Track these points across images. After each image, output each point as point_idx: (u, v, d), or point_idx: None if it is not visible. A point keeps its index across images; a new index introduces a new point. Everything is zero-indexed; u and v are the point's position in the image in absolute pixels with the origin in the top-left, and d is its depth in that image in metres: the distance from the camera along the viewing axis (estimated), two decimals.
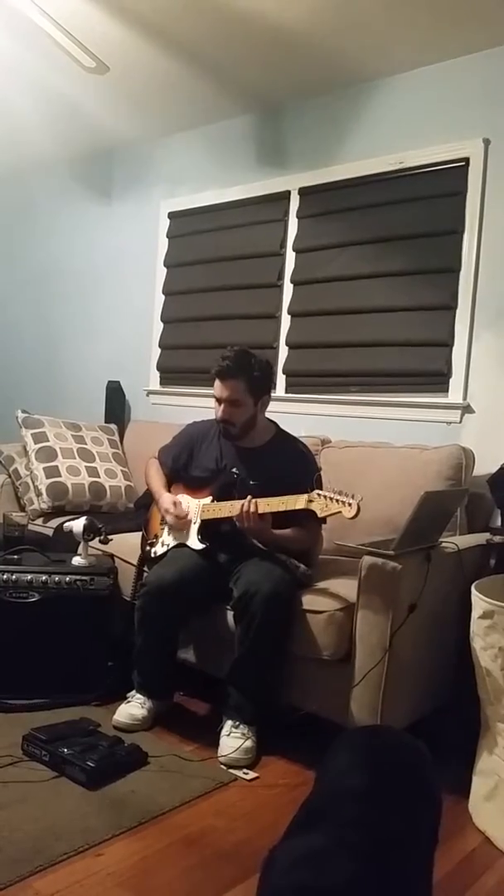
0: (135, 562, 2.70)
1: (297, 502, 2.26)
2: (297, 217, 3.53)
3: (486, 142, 2.91)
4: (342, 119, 3.35)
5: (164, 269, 4.10)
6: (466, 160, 2.96)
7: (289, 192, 3.55)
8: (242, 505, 2.32)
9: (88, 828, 1.82)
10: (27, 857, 1.68)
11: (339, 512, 2.15)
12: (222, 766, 2.19)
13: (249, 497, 2.32)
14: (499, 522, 2.72)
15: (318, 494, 2.23)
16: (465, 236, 2.96)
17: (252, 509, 2.30)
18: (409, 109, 3.14)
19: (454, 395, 3.00)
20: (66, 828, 1.81)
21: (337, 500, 2.17)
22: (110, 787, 2.01)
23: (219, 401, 2.53)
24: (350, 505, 2.13)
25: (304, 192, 3.50)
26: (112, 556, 2.83)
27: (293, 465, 2.55)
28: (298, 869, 0.96)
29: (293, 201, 3.54)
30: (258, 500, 2.32)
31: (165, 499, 2.61)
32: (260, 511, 2.31)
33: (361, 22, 2.78)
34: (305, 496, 2.24)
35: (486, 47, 2.89)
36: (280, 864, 0.99)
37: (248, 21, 2.83)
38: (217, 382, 2.51)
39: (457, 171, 2.99)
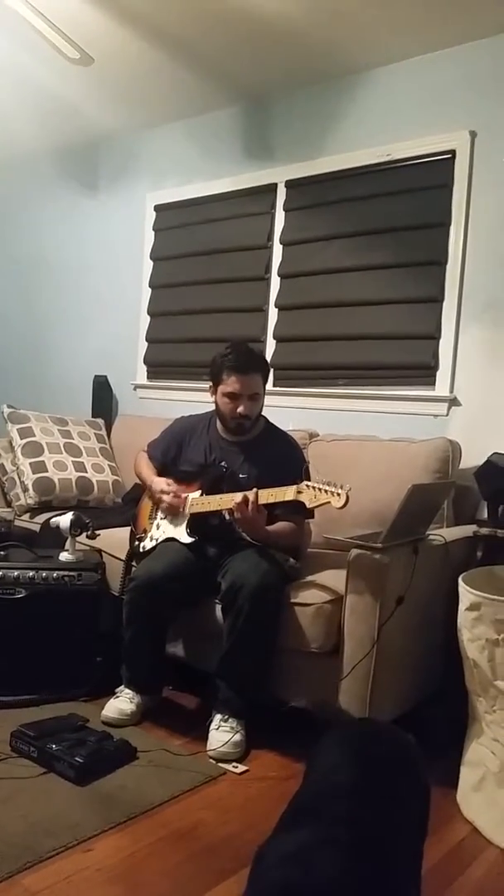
0: (122, 557, 2.69)
1: (287, 493, 2.26)
2: (284, 210, 3.52)
3: (473, 134, 2.91)
4: (329, 111, 3.35)
5: (151, 263, 4.08)
6: (453, 152, 2.96)
7: (276, 185, 3.54)
8: (244, 496, 2.29)
9: (77, 823, 1.81)
10: (16, 853, 1.67)
11: (328, 502, 2.15)
12: (212, 760, 2.19)
13: (255, 490, 2.30)
14: (485, 515, 2.73)
15: (307, 485, 2.23)
16: (452, 229, 2.97)
17: (253, 499, 2.29)
18: (396, 101, 3.13)
19: (441, 387, 3.00)
20: (55, 824, 1.80)
21: (326, 491, 2.17)
22: (99, 783, 2.00)
23: (236, 397, 2.49)
24: (339, 495, 2.13)
25: (290, 184, 3.49)
26: (100, 551, 2.82)
27: (282, 457, 2.55)
28: (286, 865, 0.96)
29: (280, 194, 3.54)
30: (247, 492, 2.31)
31: (158, 482, 2.60)
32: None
33: (347, 13, 2.77)
34: (294, 487, 2.25)
35: (473, 38, 2.88)
36: (268, 860, 0.99)
37: (234, 12, 2.81)
38: (237, 378, 2.47)
39: (443, 164, 2.99)
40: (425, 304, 3.04)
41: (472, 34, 2.86)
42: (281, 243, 3.53)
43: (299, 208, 3.47)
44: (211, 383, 2.57)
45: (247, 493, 2.30)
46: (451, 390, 2.97)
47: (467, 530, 2.54)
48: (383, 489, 2.58)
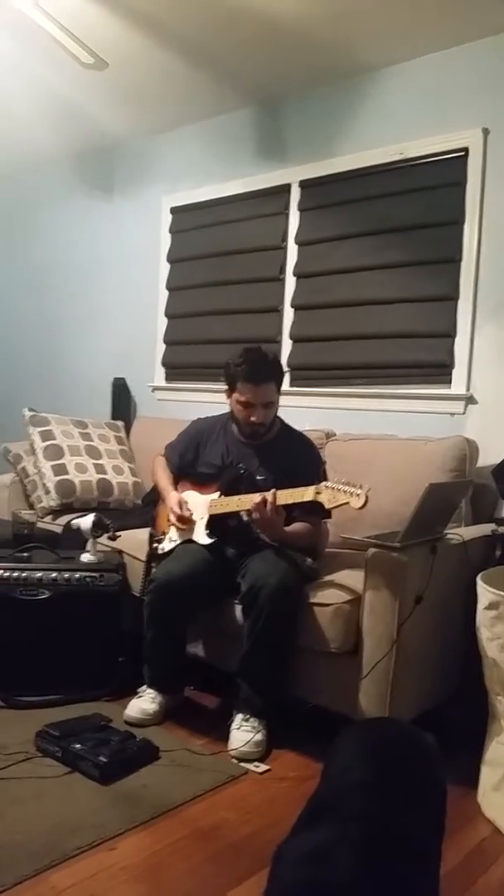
0: (143, 558, 2.72)
1: (305, 494, 2.27)
2: (299, 210, 3.52)
3: (486, 131, 2.89)
4: (342, 111, 3.35)
5: (168, 265, 4.10)
6: (466, 150, 2.95)
7: (289, 185, 3.55)
8: (263, 497, 2.31)
9: (101, 822, 1.84)
10: (43, 851, 1.71)
11: (348, 503, 2.15)
12: (233, 760, 2.21)
13: (273, 490, 2.32)
14: (503, 513, 2.73)
15: (326, 486, 2.23)
16: (466, 226, 2.96)
17: (271, 500, 2.30)
18: (408, 100, 3.13)
19: (457, 386, 3.00)
20: (80, 823, 1.83)
21: (344, 491, 2.17)
22: (122, 782, 2.03)
23: (250, 405, 2.50)
24: (358, 495, 2.13)
25: (304, 184, 3.49)
26: (121, 552, 2.85)
27: (299, 458, 2.56)
28: (305, 864, 0.98)
29: (294, 194, 3.54)
30: (265, 493, 2.33)
31: (172, 498, 2.63)
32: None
33: (358, 12, 2.77)
34: (313, 488, 2.25)
35: (484, 35, 2.87)
36: (287, 859, 1.00)
37: (245, 13, 2.82)
38: (251, 387, 2.48)
39: (456, 162, 2.98)
40: (440, 303, 3.03)
41: (484, 31, 2.85)
42: (296, 243, 3.53)
43: (314, 208, 3.47)
44: (227, 387, 2.59)
45: (265, 493, 2.32)
46: (468, 388, 2.97)
47: (485, 529, 2.54)
48: (400, 488, 2.59)
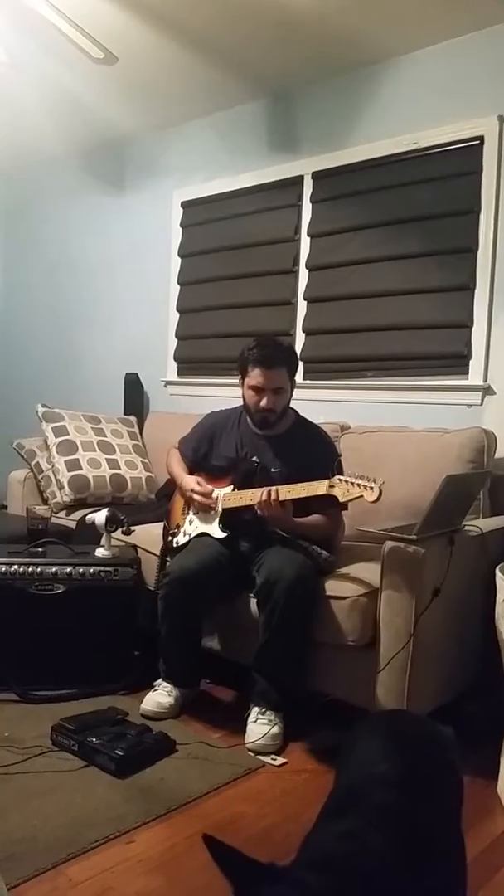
0: (157, 552, 2.71)
1: (319, 488, 2.25)
2: (311, 201, 3.50)
3: (501, 119, 2.86)
4: (354, 101, 3.32)
5: (179, 259, 4.09)
6: (481, 138, 2.92)
7: (302, 177, 3.53)
8: (263, 493, 2.31)
9: (118, 815, 1.84)
10: (59, 844, 1.70)
11: (361, 496, 2.13)
12: (250, 753, 2.20)
13: (276, 487, 2.31)
14: None
15: (340, 479, 2.21)
16: (482, 215, 2.93)
17: (273, 496, 2.30)
18: (422, 89, 3.09)
19: (474, 376, 2.96)
20: (97, 816, 1.83)
21: (358, 485, 2.15)
22: (139, 776, 2.03)
23: (260, 390, 2.49)
24: (372, 489, 2.11)
25: (317, 176, 3.47)
26: (135, 546, 2.85)
27: (314, 451, 2.54)
28: (339, 841, 0.97)
29: (307, 186, 3.52)
30: (279, 487, 2.32)
31: (188, 480, 2.61)
32: (281, 498, 2.30)
33: (371, 0, 2.74)
34: (327, 482, 2.24)
35: (499, 21, 2.83)
36: (320, 839, 1.00)
37: (255, 4, 2.80)
38: (261, 371, 2.47)
39: (471, 150, 2.95)
40: (456, 293, 3.00)
41: (498, 17, 2.81)
42: (309, 235, 3.51)
43: (326, 199, 3.45)
44: (239, 375, 2.58)
45: (269, 489, 2.30)
46: (485, 379, 2.93)
47: None
48: (417, 480, 2.56)
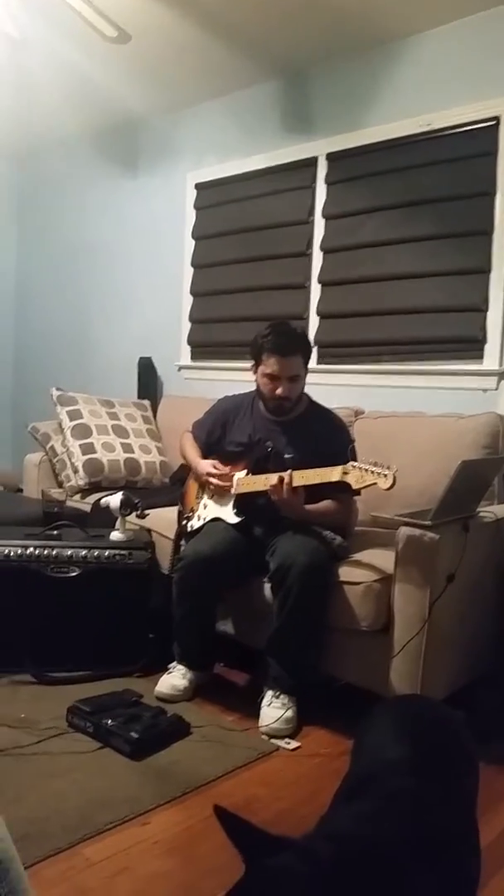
0: (171, 536, 2.72)
1: (332, 474, 2.25)
2: (326, 183, 3.46)
3: None
4: (368, 82, 3.27)
5: (193, 242, 4.07)
6: (497, 119, 2.87)
7: (316, 159, 3.49)
8: (279, 478, 2.30)
9: (134, 797, 1.86)
10: (76, 825, 1.73)
11: (375, 483, 2.13)
12: (264, 736, 2.22)
13: (289, 471, 2.31)
14: None
15: (353, 466, 2.21)
16: (498, 197, 2.88)
17: (287, 481, 2.29)
18: (436, 69, 3.04)
19: (489, 361, 2.94)
20: (112, 797, 1.85)
21: (372, 472, 2.14)
22: (154, 758, 2.05)
23: (276, 378, 2.48)
24: (385, 476, 2.10)
25: (331, 157, 3.43)
26: (149, 530, 2.86)
27: (327, 436, 2.53)
28: (357, 821, 0.98)
29: (321, 167, 3.48)
30: (293, 472, 2.31)
31: (204, 464, 2.62)
32: (294, 484, 2.30)
33: None
34: (340, 468, 2.23)
35: None
36: (339, 820, 1.01)
37: None
38: (277, 359, 2.45)
39: (487, 131, 2.90)
40: (471, 276, 2.97)
41: None
42: (323, 217, 3.47)
43: (341, 181, 3.41)
44: (253, 362, 2.56)
45: (282, 474, 2.30)
46: (501, 363, 2.91)
47: None
48: (431, 466, 2.55)
